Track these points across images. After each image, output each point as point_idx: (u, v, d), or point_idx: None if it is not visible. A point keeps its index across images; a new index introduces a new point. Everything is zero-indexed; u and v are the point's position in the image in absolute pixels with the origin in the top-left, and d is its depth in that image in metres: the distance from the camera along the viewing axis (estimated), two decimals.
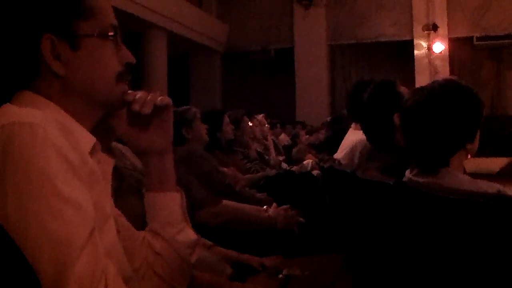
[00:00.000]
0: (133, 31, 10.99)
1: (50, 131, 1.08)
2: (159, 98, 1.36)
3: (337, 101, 15.42)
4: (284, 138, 9.45)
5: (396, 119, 2.43)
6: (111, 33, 1.28)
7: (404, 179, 2.07)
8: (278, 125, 9.98)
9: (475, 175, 2.04)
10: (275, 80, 15.76)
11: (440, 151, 1.96)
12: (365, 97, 2.77)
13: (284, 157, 7.79)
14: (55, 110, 1.21)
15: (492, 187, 1.90)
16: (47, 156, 1.04)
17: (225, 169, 4.09)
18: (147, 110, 1.34)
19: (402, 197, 1.89)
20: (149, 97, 1.35)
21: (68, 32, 1.22)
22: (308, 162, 6.17)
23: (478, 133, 2.00)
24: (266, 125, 7.31)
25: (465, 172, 2.07)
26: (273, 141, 7.69)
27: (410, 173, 2.08)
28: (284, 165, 6.60)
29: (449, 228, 1.67)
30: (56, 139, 1.07)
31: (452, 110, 1.92)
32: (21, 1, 1.21)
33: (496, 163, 11.43)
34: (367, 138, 2.87)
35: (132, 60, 1.34)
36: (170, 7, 12.14)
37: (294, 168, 5.83)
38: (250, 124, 6.00)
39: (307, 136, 9.96)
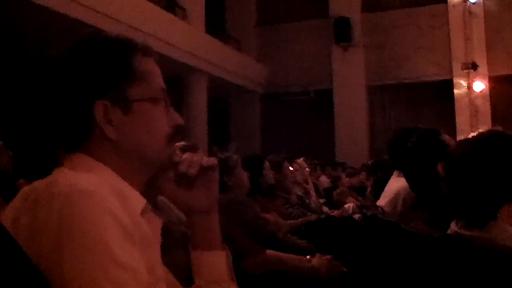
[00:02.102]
0: (175, 74, 11.19)
1: (106, 197, 1.11)
2: (205, 159, 1.39)
3: (376, 142, 15.37)
4: (324, 180, 9.42)
5: (441, 170, 2.41)
6: (160, 97, 1.32)
7: (450, 231, 2.04)
8: (318, 167, 9.95)
9: None
10: (315, 121, 15.81)
11: (487, 204, 1.93)
12: (408, 146, 2.75)
13: (324, 199, 7.75)
14: (108, 173, 1.25)
15: None
16: (103, 223, 1.07)
17: (267, 215, 4.09)
18: (194, 171, 1.37)
19: (449, 251, 1.86)
20: (195, 158, 1.37)
21: (120, 97, 1.26)
22: (349, 205, 6.10)
23: None
24: (307, 169, 7.30)
25: None
26: (314, 184, 7.66)
27: (456, 226, 2.04)
28: (325, 209, 6.55)
29: (496, 285, 1.64)
30: (111, 205, 1.11)
31: (498, 162, 1.89)
32: (77, 68, 1.26)
33: None
34: (411, 187, 2.84)
35: (180, 122, 1.38)
36: (211, 51, 12.35)
37: (335, 212, 5.77)
38: (291, 168, 6.00)
39: (348, 178, 9.90)
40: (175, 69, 10.85)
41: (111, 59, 1.27)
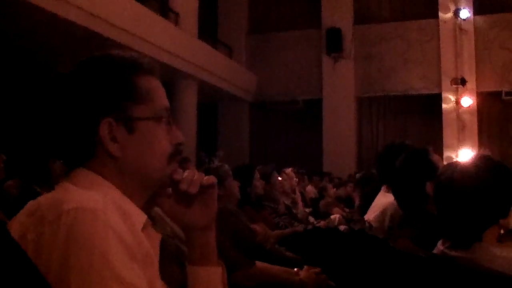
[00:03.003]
0: (164, 79, 11.12)
1: (110, 216, 1.15)
2: (205, 178, 1.42)
3: (363, 153, 15.45)
4: (311, 190, 9.46)
5: (429, 189, 2.47)
6: (164, 116, 1.36)
7: (436, 250, 2.09)
8: (306, 177, 10.00)
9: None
10: (303, 130, 15.86)
11: (473, 226, 1.98)
12: (397, 164, 2.80)
13: (311, 209, 7.79)
14: (112, 190, 1.28)
15: None
16: (107, 241, 1.11)
17: (255, 225, 4.12)
18: (194, 189, 1.39)
19: (434, 271, 1.91)
20: (195, 177, 1.40)
21: (125, 116, 1.30)
22: (336, 216, 6.14)
23: None
24: (295, 179, 7.34)
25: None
26: (301, 194, 7.71)
27: (442, 245, 2.09)
28: (311, 219, 6.59)
29: None
30: (115, 224, 1.14)
31: (486, 186, 1.95)
32: (84, 87, 1.29)
33: None
34: (399, 204, 2.89)
35: (182, 140, 1.41)
36: (201, 57, 12.36)
37: (322, 223, 5.81)
38: (280, 178, 6.04)
39: (335, 189, 9.95)
40: (166, 74, 10.85)
41: (116, 79, 1.31)
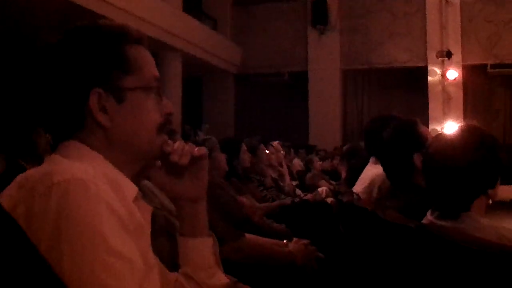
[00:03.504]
0: (150, 51, 11.01)
1: (102, 188, 1.13)
2: (196, 149, 1.41)
3: (349, 125, 15.49)
4: (297, 163, 9.48)
5: (418, 161, 2.48)
6: (153, 86, 1.34)
7: (425, 221, 2.10)
8: (292, 150, 10.01)
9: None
10: (288, 103, 15.83)
11: (461, 197, 2.00)
12: (385, 137, 2.81)
13: (297, 182, 7.82)
14: (102, 161, 1.27)
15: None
16: (99, 212, 1.10)
17: (242, 198, 4.12)
18: (185, 161, 1.39)
19: (423, 241, 1.93)
20: (186, 148, 1.40)
21: (114, 86, 1.28)
22: (323, 189, 6.19)
23: (499, 179, 2.04)
24: (282, 152, 7.35)
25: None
26: (287, 167, 7.73)
27: (431, 215, 2.11)
28: (298, 192, 6.63)
29: (467, 276, 1.71)
30: (107, 195, 1.13)
31: (474, 158, 1.96)
32: (70, 57, 1.27)
33: (509, 191, 11.44)
34: (387, 176, 2.90)
35: (171, 110, 1.40)
36: (185, 29, 12.26)
37: (309, 196, 5.85)
38: (267, 151, 6.05)
39: (321, 162, 9.98)
40: (150, 47, 10.71)
41: (105, 48, 1.28)
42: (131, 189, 1.29)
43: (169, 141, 1.39)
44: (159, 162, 1.43)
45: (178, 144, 1.40)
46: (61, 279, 1.04)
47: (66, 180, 1.11)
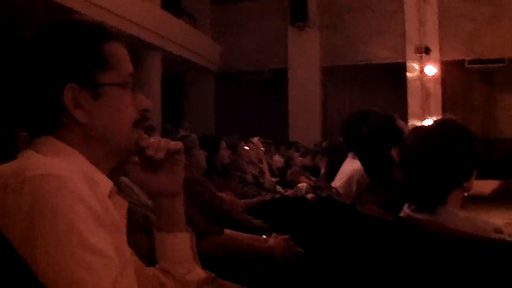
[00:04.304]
0: (128, 50, 10.96)
1: (76, 182, 1.13)
2: (172, 143, 1.41)
3: (329, 122, 15.53)
4: (278, 159, 9.48)
5: (395, 155, 2.50)
6: (129, 82, 1.34)
7: (402, 214, 2.12)
8: (272, 147, 10.02)
9: (467, 197, 2.10)
10: (269, 100, 15.84)
11: (437, 189, 2.01)
12: (364, 132, 2.82)
13: (278, 179, 7.83)
14: (77, 157, 1.26)
15: (488, 225, 1.95)
16: (74, 208, 1.09)
17: (222, 194, 4.12)
18: (161, 155, 1.39)
19: (401, 234, 1.94)
20: (162, 143, 1.40)
21: (90, 82, 1.27)
22: (303, 185, 6.19)
23: (475, 172, 2.05)
24: (262, 148, 7.36)
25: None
26: (268, 163, 7.73)
27: (408, 209, 2.13)
28: (279, 188, 6.63)
29: (445, 268, 1.73)
30: (81, 190, 1.13)
31: (450, 150, 1.97)
32: (45, 52, 1.26)
33: (487, 186, 11.55)
34: (365, 171, 2.92)
35: (148, 106, 1.39)
36: (166, 27, 12.21)
37: (289, 192, 5.86)
38: (246, 148, 6.05)
39: (301, 158, 10.00)
40: (129, 44, 10.64)
41: (81, 44, 1.28)
42: (106, 185, 1.28)
43: (145, 136, 1.39)
44: (136, 158, 1.43)
45: (154, 138, 1.40)
46: (35, 275, 1.04)
47: (39, 175, 1.10)
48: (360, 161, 2.94)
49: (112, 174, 1.35)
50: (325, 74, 15.81)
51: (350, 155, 3.63)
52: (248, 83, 16.02)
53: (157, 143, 1.39)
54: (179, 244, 1.50)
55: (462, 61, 14.37)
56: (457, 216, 1.98)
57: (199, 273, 1.52)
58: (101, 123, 1.29)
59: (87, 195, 1.14)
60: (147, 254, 1.58)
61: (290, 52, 15.56)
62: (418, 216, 2.05)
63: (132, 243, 1.46)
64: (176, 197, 1.49)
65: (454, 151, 1.97)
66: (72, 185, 1.11)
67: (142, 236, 1.90)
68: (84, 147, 1.28)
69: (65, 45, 1.27)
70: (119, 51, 1.35)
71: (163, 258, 1.49)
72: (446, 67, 14.53)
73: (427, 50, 14.13)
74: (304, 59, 15.27)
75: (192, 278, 1.48)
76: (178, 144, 1.43)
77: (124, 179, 2.02)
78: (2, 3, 8.22)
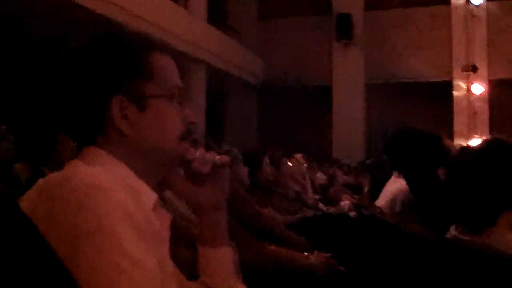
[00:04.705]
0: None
1: (120, 194, 1.13)
2: (218, 157, 1.41)
3: (372, 140, 15.39)
4: (320, 177, 9.45)
5: (442, 174, 2.44)
6: (175, 94, 1.34)
7: (449, 236, 2.07)
8: (315, 164, 9.98)
9: None
10: (312, 117, 15.81)
11: (486, 211, 1.96)
12: (409, 149, 2.78)
13: (320, 196, 7.79)
14: (122, 168, 1.26)
15: None
16: (117, 219, 1.09)
17: (265, 210, 4.11)
18: (207, 169, 1.38)
19: (447, 255, 1.89)
20: (208, 156, 1.39)
21: (136, 94, 1.28)
22: (346, 203, 6.16)
23: None
24: (304, 165, 7.33)
25: None
26: (310, 180, 7.70)
27: (455, 230, 2.07)
28: (321, 205, 6.59)
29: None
30: (125, 202, 1.13)
31: (500, 171, 1.92)
32: (94, 64, 1.27)
33: None
34: (410, 190, 2.87)
35: (194, 119, 1.40)
36: (211, 41, 12.32)
37: (332, 209, 5.82)
38: (289, 164, 6.03)
39: (344, 176, 9.94)
40: (174, 58, 10.75)
41: (128, 56, 1.29)
42: (150, 197, 1.28)
43: (191, 149, 1.39)
44: (181, 171, 1.43)
45: (200, 152, 1.39)
46: (77, 284, 1.04)
47: (85, 185, 1.11)
48: (405, 180, 2.89)
49: (158, 186, 1.36)
50: (369, 91, 15.72)
51: (394, 173, 3.57)
52: (292, 98, 16.01)
53: (203, 157, 1.38)
54: (221, 259, 1.48)
55: (511, 80, 14.10)
56: (508, 239, 1.92)
57: None
58: (146, 135, 1.29)
59: (130, 206, 1.14)
60: (189, 268, 1.58)
61: (335, 68, 15.55)
62: (465, 237, 1.99)
63: (174, 256, 1.46)
64: (220, 211, 1.48)
65: (504, 172, 1.92)
66: (115, 195, 1.12)
67: (184, 249, 1.90)
68: (129, 159, 1.28)
69: (112, 56, 1.28)
70: (166, 64, 1.35)
71: (205, 272, 1.48)
72: (494, 85, 14.29)
73: (474, 68, 13.91)
74: (349, 76, 15.23)
75: None
76: (224, 158, 1.43)
77: (168, 192, 2.03)
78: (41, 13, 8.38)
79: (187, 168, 1.39)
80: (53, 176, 1.20)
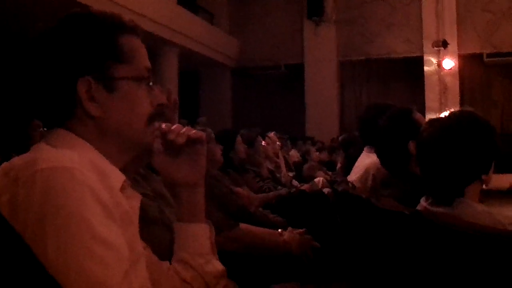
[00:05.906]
0: (146, 46, 10.97)
1: (87, 175, 1.12)
2: (193, 131, 1.42)
3: (346, 117, 15.47)
4: (294, 154, 9.48)
5: (412, 148, 2.47)
6: (145, 76, 1.33)
7: (419, 207, 2.10)
8: (289, 142, 10.01)
9: (485, 191, 2.07)
10: (285, 95, 15.82)
11: (455, 182, 1.99)
12: (381, 124, 2.80)
13: (294, 173, 7.82)
14: (89, 150, 1.26)
15: (506, 219, 1.93)
16: (84, 200, 1.09)
17: (238, 189, 4.12)
18: (181, 140, 1.40)
19: (418, 227, 1.92)
20: (183, 129, 1.40)
21: (105, 75, 1.26)
22: (319, 180, 6.19)
23: (493, 164, 2.02)
24: (278, 143, 7.35)
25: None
26: (284, 158, 7.73)
27: (425, 202, 2.10)
28: (295, 183, 6.63)
29: (463, 261, 1.70)
30: (92, 183, 1.12)
31: (468, 142, 1.95)
32: (61, 45, 1.25)
33: (506, 180, 11.44)
34: (382, 164, 2.89)
35: (164, 101, 1.39)
36: (182, 23, 12.22)
37: (305, 186, 5.85)
38: (263, 143, 6.04)
39: (318, 153, 9.98)
40: (146, 41, 10.65)
41: (97, 37, 1.27)
42: (118, 178, 1.27)
43: (167, 123, 1.40)
44: (157, 146, 1.42)
45: (177, 125, 1.41)
46: (45, 267, 1.03)
47: (51, 167, 1.10)
48: (377, 155, 2.92)
49: (128, 167, 1.35)
50: (342, 68, 15.75)
51: (366, 148, 3.60)
52: (265, 78, 16.01)
53: (178, 129, 1.40)
54: (198, 235, 1.50)
55: (481, 55, 14.23)
56: (475, 209, 1.95)
57: (217, 265, 1.52)
58: (115, 117, 1.28)
59: (97, 187, 1.13)
60: (165, 247, 1.58)
61: (307, 47, 15.53)
62: (435, 209, 2.02)
63: (148, 237, 1.46)
64: (197, 188, 1.51)
65: (472, 143, 1.94)
66: (82, 176, 1.11)
67: (158, 229, 1.89)
68: (97, 141, 1.27)
69: (81, 37, 1.26)
70: (135, 45, 1.34)
71: (182, 248, 1.50)
72: (464, 61, 14.41)
73: (444, 44, 14.01)
74: (321, 53, 15.22)
75: (210, 269, 1.49)
76: (199, 133, 1.44)
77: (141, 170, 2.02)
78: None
79: (163, 140, 1.41)
80: (17, 159, 1.18)
